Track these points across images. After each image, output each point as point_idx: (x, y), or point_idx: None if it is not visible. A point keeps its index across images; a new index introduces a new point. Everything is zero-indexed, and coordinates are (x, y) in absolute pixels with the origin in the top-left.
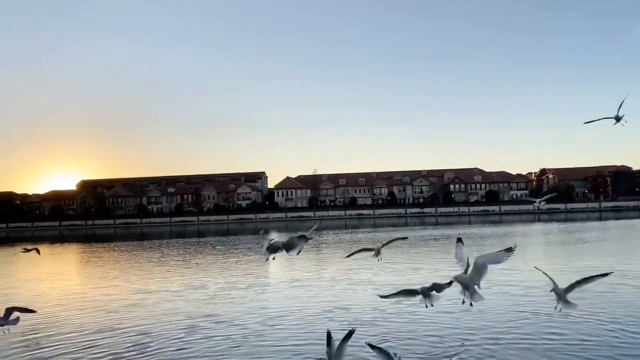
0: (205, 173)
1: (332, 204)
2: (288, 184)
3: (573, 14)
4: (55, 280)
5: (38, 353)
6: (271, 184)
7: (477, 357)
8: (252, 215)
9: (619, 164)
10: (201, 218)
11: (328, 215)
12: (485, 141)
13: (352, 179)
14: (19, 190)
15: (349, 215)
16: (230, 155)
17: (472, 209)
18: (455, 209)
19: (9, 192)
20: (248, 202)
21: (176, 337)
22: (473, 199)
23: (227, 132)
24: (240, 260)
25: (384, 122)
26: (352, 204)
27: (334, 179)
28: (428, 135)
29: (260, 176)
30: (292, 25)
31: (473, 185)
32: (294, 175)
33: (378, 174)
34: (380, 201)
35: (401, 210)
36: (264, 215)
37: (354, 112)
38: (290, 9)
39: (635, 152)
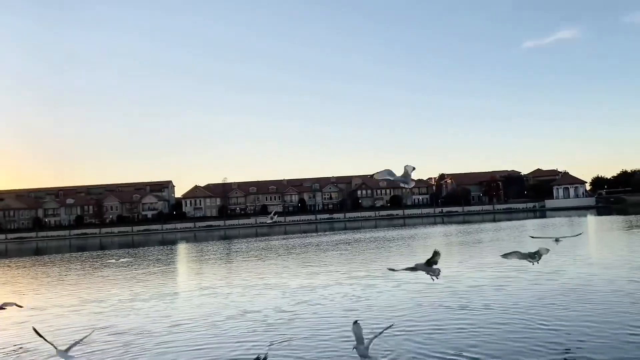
0: (107, 183)
1: (242, 212)
2: (197, 192)
3: (469, 20)
4: None
5: None
6: (178, 193)
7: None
8: (158, 226)
9: (509, 169)
10: (104, 230)
11: (238, 224)
12: (390, 148)
13: (262, 187)
14: None
15: (260, 223)
16: (135, 164)
17: (378, 213)
18: (363, 213)
19: None
20: (154, 212)
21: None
22: (379, 203)
23: (131, 140)
24: (147, 272)
25: (293, 130)
26: (263, 211)
27: (244, 187)
28: (336, 142)
29: (166, 185)
30: (197, 33)
31: (379, 191)
32: (202, 184)
33: (288, 181)
34: (291, 208)
35: (311, 217)
36: (171, 226)
37: (263, 120)
38: (193, 15)
39: (523, 158)
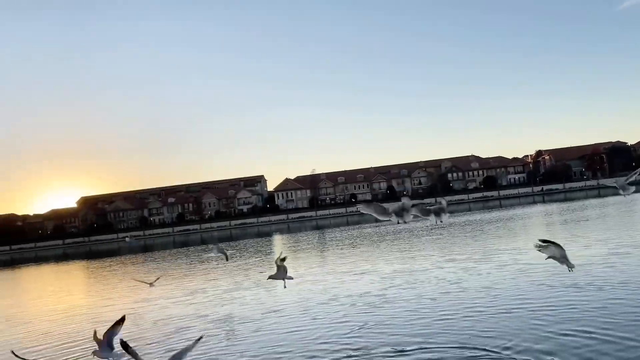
0: (204, 180)
1: (332, 202)
2: (287, 185)
3: None
4: (61, 296)
5: None
6: (270, 186)
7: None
8: (253, 220)
9: (614, 140)
10: (203, 226)
11: (330, 214)
12: (480, 127)
13: (350, 176)
14: (20, 211)
15: (350, 212)
16: (228, 161)
17: (470, 196)
18: (455, 197)
19: (10, 214)
20: (249, 206)
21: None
22: (471, 186)
23: (223, 139)
24: (247, 262)
25: (379, 116)
26: (352, 200)
27: (332, 177)
28: (423, 126)
29: (259, 180)
30: (285, 28)
31: (470, 173)
32: (292, 177)
33: (376, 168)
34: (379, 196)
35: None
36: (265, 219)
37: (349, 110)
38: (280, 14)
39: (629, 127)
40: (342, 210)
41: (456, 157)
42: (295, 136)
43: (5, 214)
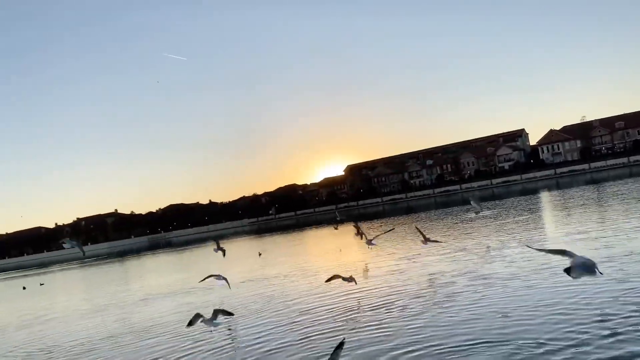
0: (461, 140)
1: (609, 151)
2: (552, 137)
3: None
4: (337, 255)
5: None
6: (532, 140)
7: None
8: (517, 177)
9: None
10: (463, 186)
11: (607, 165)
12: None
13: (632, 120)
14: (300, 181)
15: (634, 161)
16: (484, 117)
17: None
18: None
19: (292, 184)
20: (510, 163)
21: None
22: None
23: (476, 95)
24: (512, 222)
25: None
26: (636, 149)
27: (608, 122)
28: None
29: (519, 134)
30: None
31: None
32: (557, 127)
33: None
34: None
35: None
36: (530, 175)
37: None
38: None
39: None
40: (623, 160)
41: None
42: (558, 83)
43: (289, 185)
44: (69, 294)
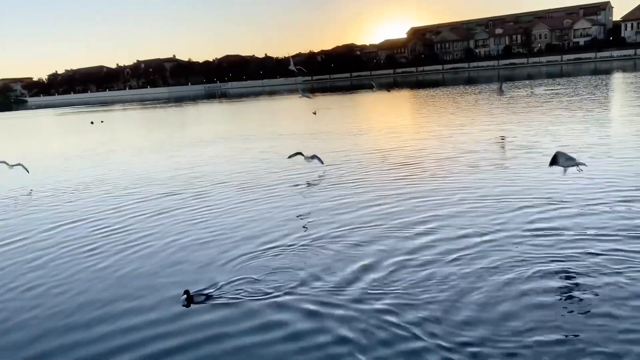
0: (536, 10)
1: None
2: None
3: None
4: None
5: None
6: (617, 15)
7: None
8: (591, 54)
9: None
10: (531, 60)
11: None
12: None
13: None
14: (358, 41)
15: None
16: None
17: None
18: None
19: (350, 44)
20: (587, 39)
21: None
22: None
23: None
24: (572, 101)
25: None
26: None
27: None
28: None
29: (603, 7)
30: None
31: None
32: None
33: None
34: None
35: None
36: (606, 54)
37: None
38: None
39: None
40: None
41: None
42: None
43: (346, 45)
44: (134, 133)
